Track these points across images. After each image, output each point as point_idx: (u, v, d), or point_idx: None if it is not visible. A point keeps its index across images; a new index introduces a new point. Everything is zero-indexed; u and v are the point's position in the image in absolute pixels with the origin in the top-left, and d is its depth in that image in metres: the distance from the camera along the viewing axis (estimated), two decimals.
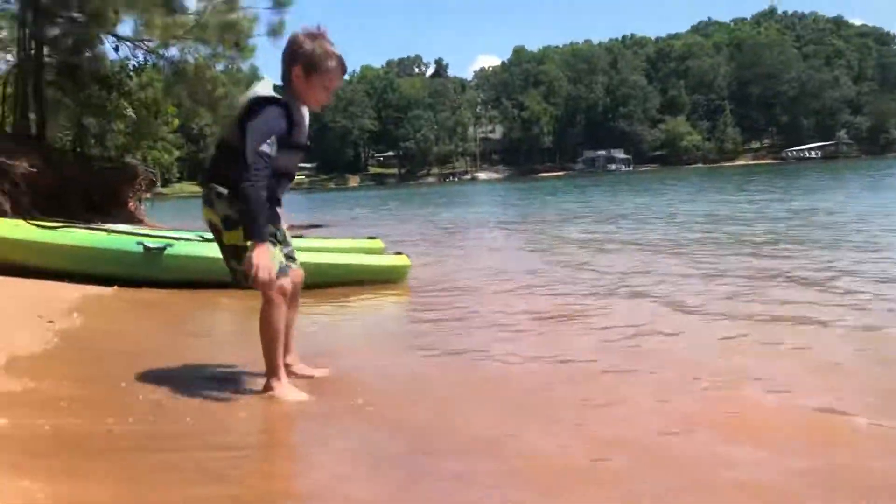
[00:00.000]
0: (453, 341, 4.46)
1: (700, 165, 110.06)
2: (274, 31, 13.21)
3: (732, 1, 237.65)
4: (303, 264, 6.76)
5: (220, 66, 14.11)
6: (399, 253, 7.84)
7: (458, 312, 5.46)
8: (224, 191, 3.09)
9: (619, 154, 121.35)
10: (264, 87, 3.11)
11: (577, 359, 3.91)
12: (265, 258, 2.94)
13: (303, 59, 3.01)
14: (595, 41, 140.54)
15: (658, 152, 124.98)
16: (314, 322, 5.02)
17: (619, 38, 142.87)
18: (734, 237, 9.91)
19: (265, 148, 2.92)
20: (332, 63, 3.04)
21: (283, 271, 3.11)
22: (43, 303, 5.50)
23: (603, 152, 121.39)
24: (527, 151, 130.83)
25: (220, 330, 5.37)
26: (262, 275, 2.92)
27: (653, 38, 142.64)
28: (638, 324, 4.64)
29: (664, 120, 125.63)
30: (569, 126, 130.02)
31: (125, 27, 13.76)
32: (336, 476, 2.33)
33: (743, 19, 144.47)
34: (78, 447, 2.46)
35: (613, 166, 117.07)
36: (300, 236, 9.62)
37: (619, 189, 33.43)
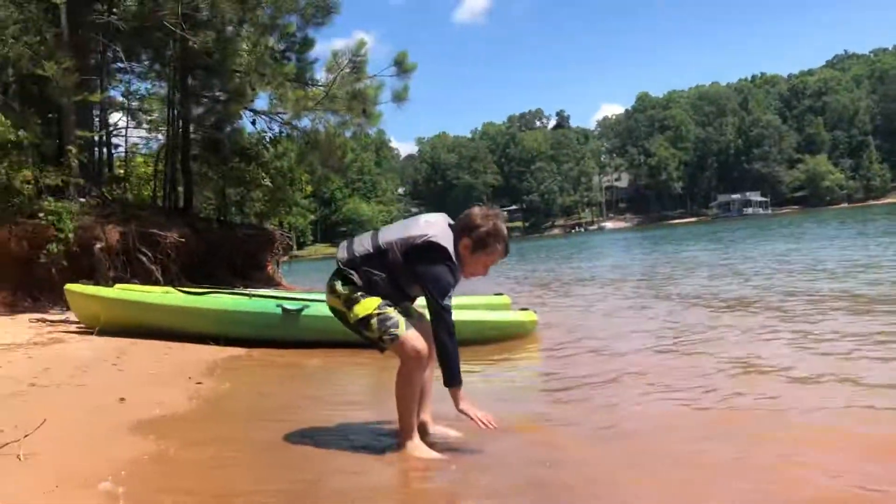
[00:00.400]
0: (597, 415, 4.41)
1: (845, 206, 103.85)
2: (398, 97, 13.77)
3: (870, 32, 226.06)
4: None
5: (348, 133, 14.80)
6: (525, 309, 7.87)
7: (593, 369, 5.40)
8: (357, 280, 3.25)
9: (756, 197, 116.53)
10: (439, 226, 3.27)
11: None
12: (469, 405, 3.19)
13: (475, 236, 3.22)
14: (723, 83, 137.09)
15: (798, 193, 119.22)
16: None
17: (749, 78, 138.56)
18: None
19: (447, 302, 3.12)
20: (499, 245, 3.25)
21: (407, 324, 3.22)
22: (192, 364, 5.90)
23: (738, 196, 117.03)
24: (656, 198, 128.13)
25: (356, 388, 5.54)
26: (486, 421, 3.15)
27: (785, 75, 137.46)
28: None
29: (803, 160, 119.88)
30: (699, 170, 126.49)
31: (261, 102, 14.74)
32: None
33: (884, 49, 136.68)
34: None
35: (750, 210, 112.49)
36: None
37: (758, 235, 32.01)
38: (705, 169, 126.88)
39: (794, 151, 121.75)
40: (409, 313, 3.34)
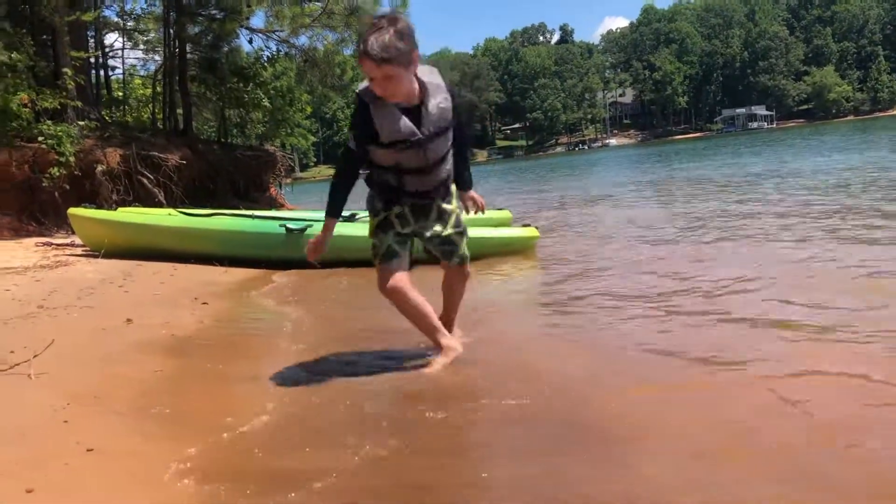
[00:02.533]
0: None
1: (852, 118, 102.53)
2: (397, 12, 13.43)
3: None
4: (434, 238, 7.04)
5: (347, 51, 14.52)
6: (527, 225, 7.90)
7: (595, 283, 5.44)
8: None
9: (761, 111, 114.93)
10: (426, 71, 3.12)
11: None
12: (317, 239, 3.24)
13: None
14: None
15: (804, 107, 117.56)
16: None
17: None
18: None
19: (350, 144, 3.09)
20: (361, 60, 2.85)
21: (385, 257, 3.23)
22: (197, 285, 5.96)
23: (743, 110, 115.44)
24: (660, 114, 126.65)
25: (365, 303, 5.59)
26: (307, 250, 3.25)
27: None
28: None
29: (809, 72, 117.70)
30: (704, 85, 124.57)
31: (257, 20, 14.42)
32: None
33: None
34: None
35: (755, 124, 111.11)
36: None
37: (763, 148, 31.74)
38: (710, 83, 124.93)
39: (801, 64, 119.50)
40: (403, 242, 3.28)
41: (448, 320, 3.54)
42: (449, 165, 3.25)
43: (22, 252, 7.52)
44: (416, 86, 2.99)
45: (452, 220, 3.34)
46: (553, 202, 15.01)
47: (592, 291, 4.94)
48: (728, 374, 2.90)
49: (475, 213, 3.58)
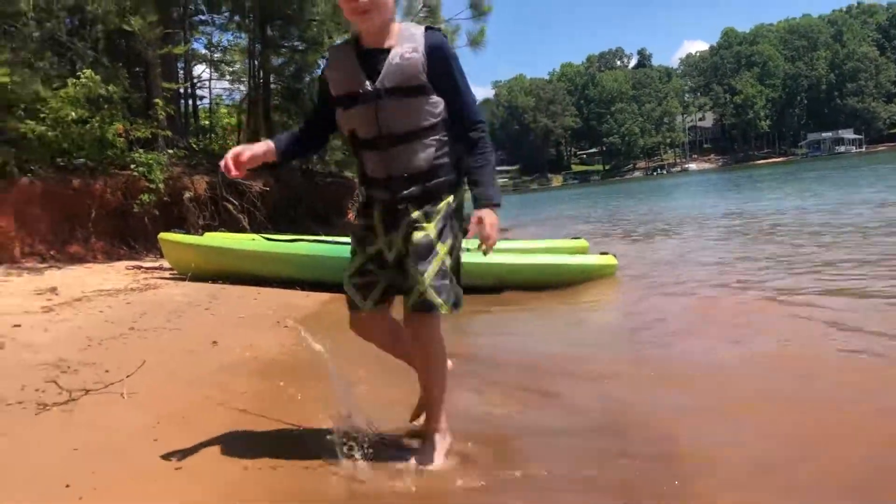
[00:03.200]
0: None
1: None
2: (474, 41, 13.62)
3: None
4: (507, 267, 7.08)
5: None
6: (605, 253, 7.84)
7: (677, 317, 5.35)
8: None
9: (849, 134, 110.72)
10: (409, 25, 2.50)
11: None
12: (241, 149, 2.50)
13: None
14: (815, 14, 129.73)
15: (895, 130, 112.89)
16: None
17: (844, 9, 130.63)
18: None
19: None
20: None
21: (350, 279, 2.57)
22: (281, 309, 6.12)
23: (829, 134, 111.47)
24: (742, 138, 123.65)
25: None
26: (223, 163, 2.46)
27: (884, 3, 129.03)
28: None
29: None
30: (788, 108, 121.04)
31: None
32: None
33: None
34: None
35: (842, 148, 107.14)
36: (505, 238, 9.89)
37: (851, 174, 30.63)
38: (794, 106, 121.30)
39: (893, 85, 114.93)
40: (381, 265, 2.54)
41: (427, 408, 2.60)
42: (429, 153, 2.38)
43: (114, 275, 7.87)
44: (394, 28, 2.38)
45: (420, 234, 2.38)
46: (630, 229, 14.81)
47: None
48: None
49: (480, 248, 2.46)
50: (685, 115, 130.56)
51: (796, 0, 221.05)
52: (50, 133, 8.92)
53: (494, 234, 2.37)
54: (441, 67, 2.34)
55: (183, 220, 10.21)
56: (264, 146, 2.48)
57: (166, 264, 8.24)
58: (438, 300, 2.35)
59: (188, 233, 8.38)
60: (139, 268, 8.54)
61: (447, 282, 2.38)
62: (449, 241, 2.43)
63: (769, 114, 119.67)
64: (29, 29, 9.97)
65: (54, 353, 3.95)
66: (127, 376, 3.42)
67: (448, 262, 2.43)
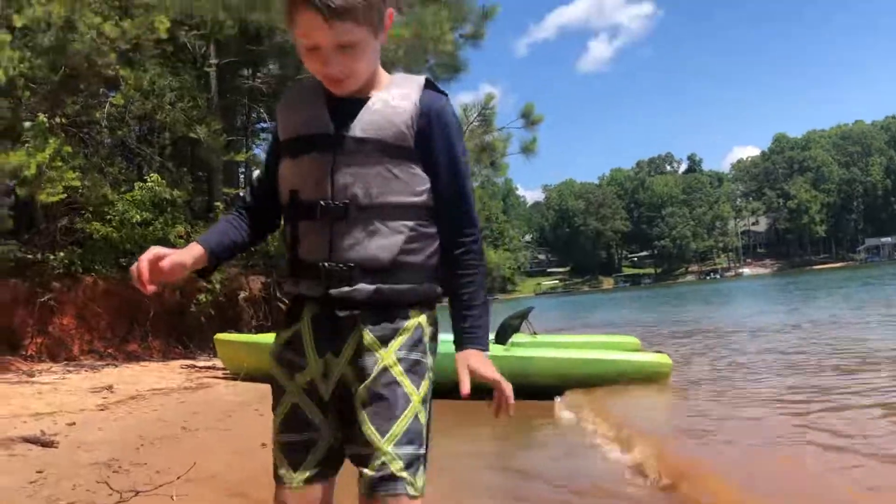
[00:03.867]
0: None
1: None
2: (527, 149, 13.94)
3: None
4: (557, 361, 6.99)
5: (476, 183, 15.07)
6: (659, 351, 7.68)
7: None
8: None
9: None
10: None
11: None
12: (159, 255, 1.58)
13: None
14: (868, 121, 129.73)
15: None
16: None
17: None
18: None
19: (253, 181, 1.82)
20: (295, 12, 1.52)
21: (275, 473, 1.62)
22: None
23: (889, 239, 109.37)
24: (797, 243, 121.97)
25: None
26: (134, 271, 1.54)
27: None
28: None
29: None
30: (844, 213, 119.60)
31: None
32: None
33: None
34: None
35: None
36: (555, 333, 9.78)
37: None
38: (850, 211, 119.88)
39: None
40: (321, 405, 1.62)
41: None
42: (395, 242, 1.59)
43: (168, 374, 7.99)
44: (381, 76, 1.69)
45: (378, 368, 1.56)
46: (686, 331, 14.53)
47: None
48: None
49: (496, 411, 1.65)
50: (738, 220, 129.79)
51: (847, 107, 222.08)
52: (115, 234, 9.29)
53: (509, 392, 1.62)
54: (439, 135, 1.64)
55: (237, 319, 10.40)
56: (190, 251, 1.64)
57: (220, 363, 8.34)
58: (409, 478, 1.52)
59: (241, 332, 8.52)
60: (193, 367, 8.66)
61: (421, 450, 1.56)
62: (424, 385, 1.62)
63: (824, 218, 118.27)
64: (102, 136, 10.55)
65: (107, 453, 3.99)
66: (177, 478, 3.42)
67: (423, 416, 1.59)
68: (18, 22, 8.05)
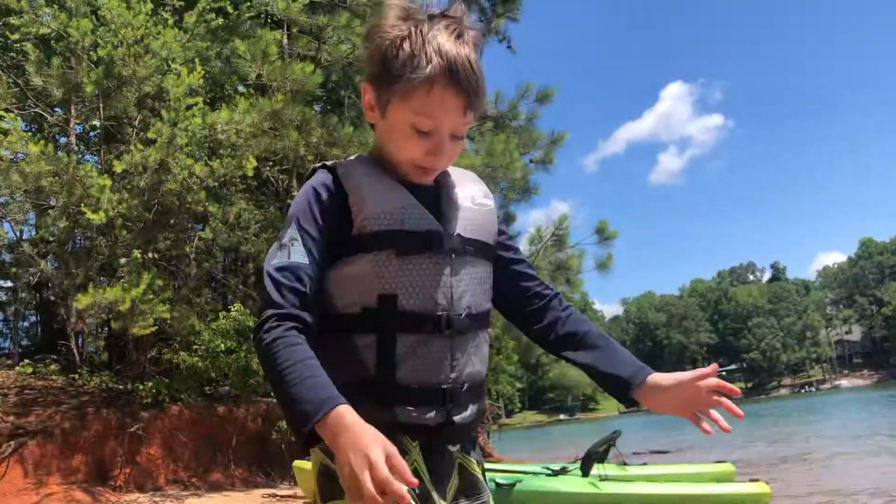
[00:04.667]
0: None
1: None
2: (602, 265, 13.90)
3: None
4: (649, 497, 6.67)
5: None
6: (755, 480, 7.28)
7: None
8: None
9: None
10: None
11: None
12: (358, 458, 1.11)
13: (369, 68, 1.43)
14: None
15: None
16: None
17: None
18: None
19: (276, 259, 1.33)
20: (426, 69, 1.33)
21: None
22: None
23: None
24: None
25: None
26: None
27: None
28: None
29: None
30: None
31: None
32: None
33: None
34: None
35: None
36: (644, 463, 9.40)
37: None
38: None
39: None
40: None
41: None
42: (486, 354, 1.49)
43: (250, 503, 7.98)
44: None
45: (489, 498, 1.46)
46: (783, 455, 13.75)
47: None
48: None
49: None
50: (829, 329, 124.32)
51: None
52: (200, 363, 9.56)
53: None
54: (504, 232, 1.57)
55: None
56: (347, 411, 1.17)
57: (300, 492, 8.29)
58: None
59: None
60: (275, 496, 8.63)
61: None
62: None
63: None
64: (190, 269, 11.05)
65: None
66: None
67: None
68: (118, 168, 8.69)
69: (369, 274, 1.34)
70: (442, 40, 1.34)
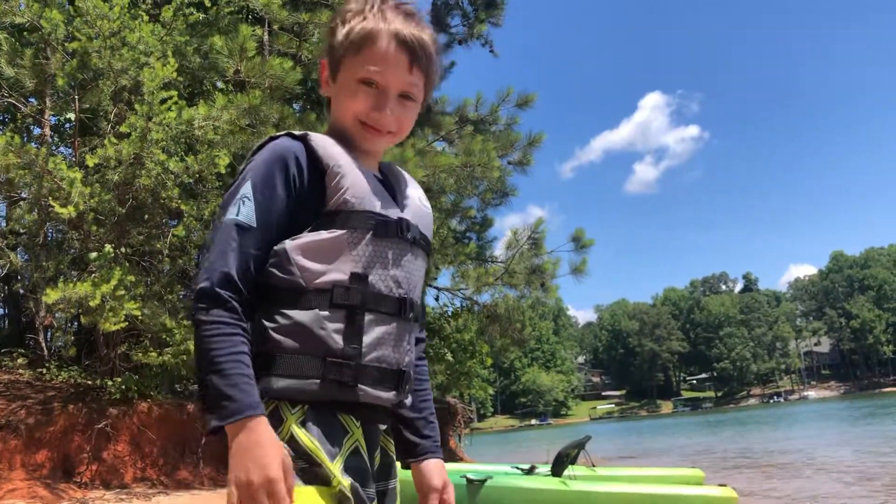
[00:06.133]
0: None
1: None
2: (577, 270, 13.95)
3: None
4: (618, 497, 6.71)
5: (523, 301, 15.04)
6: (723, 485, 7.36)
7: None
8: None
9: None
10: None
11: None
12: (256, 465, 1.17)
13: (326, 43, 1.50)
14: None
15: None
16: None
17: None
18: None
19: (240, 218, 1.32)
20: (372, 24, 1.41)
21: None
22: None
23: None
24: (864, 364, 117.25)
25: None
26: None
27: None
28: None
29: None
30: None
31: (444, 279, 15.45)
32: None
33: None
34: None
35: None
36: (612, 466, 9.45)
37: None
38: None
39: None
40: None
41: None
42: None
43: (219, 502, 7.90)
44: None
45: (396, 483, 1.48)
46: (750, 463, 13.90)
47: None
48: None
49: None
50: (799, 340, 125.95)
51: None
52: (171, 360, 9.46)
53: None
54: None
55: None
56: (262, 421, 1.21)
57: None
58: None
59: None
60: None
61: None
62: None
63: (891, 339, 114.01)
64: (163, 265, 10.94)
65: None
66: None
67: None
68: (91, 161, 8.58)
69: (344, 251, 1.35)
70: (391, 14, 1.41)
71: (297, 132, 1.42)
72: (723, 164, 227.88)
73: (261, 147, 1.41)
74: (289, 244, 1.33)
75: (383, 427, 1.44)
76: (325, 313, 1.32)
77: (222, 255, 1.29)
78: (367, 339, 1.34)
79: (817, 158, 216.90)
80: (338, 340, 1.32)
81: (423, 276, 1.50)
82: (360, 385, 1.33)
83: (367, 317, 1.35)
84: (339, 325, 1.32)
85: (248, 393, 1.20)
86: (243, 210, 1.31)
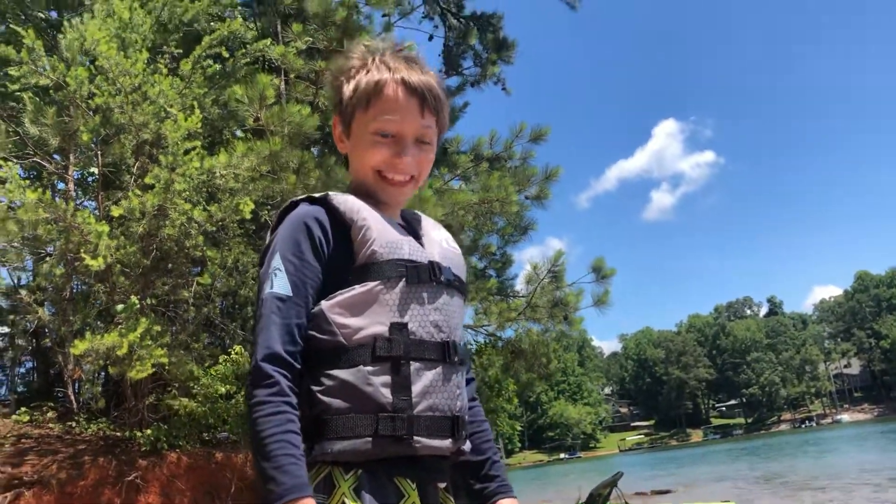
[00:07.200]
0: None
1: None
2: (600, 301, 13.86)
3: None
4: None
5: (547, 335, 14.93)
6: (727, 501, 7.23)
7: None
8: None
9: None
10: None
11: None
12: None
13: (334, 101, 1.54)
14: None
15: None
16: None
17: None
18: None
19: (276, 290, 1.34)
20: (377, 76, 1.45)
21: None
22: None
23: None
24: None
25: None
26: None
27: None
28: None
29: None
30: None
31: (465, 316, 15.41)
32: None
33: None
34: None
35: None
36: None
37: None
38: None
39: None
40: None
41: None
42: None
43: None
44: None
45: None
46: (789, 492, 13.61)
47: None
48: None
49: None
50: (828, 363, 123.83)
51: None
52: (199, 409, 9.48)
53: None
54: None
55: None
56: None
57: None
58: None
59: None
60: None
61: None
62: None
63: None
64: (189, 314, 11.02)
65: None
66: None
67: None
68: (116, 213, 8.70)
69: (379, 302, 1.35)
70: (393, 63, 1.46)
71: (316, 195, 1.46)
72: (739, 188, 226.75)
73: (283, 214, 1.45)
74: (324, 304, 1.35)
75: (442, 485, 1.42)
76: (370, 368, 1.31)
77: (266, 330, 1.31)
78: (416, 388, 1.33)
79: (836, 178, 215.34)
80: (386, 394, 1.31)
81: (462, 317, 1.51)
82: (415, 437, 1.31)
83: (413, 366, 1.33)
84: (386, 378, 1.32)
85: (292, 475, 1.22)
86: (276, 282, 1.34)
